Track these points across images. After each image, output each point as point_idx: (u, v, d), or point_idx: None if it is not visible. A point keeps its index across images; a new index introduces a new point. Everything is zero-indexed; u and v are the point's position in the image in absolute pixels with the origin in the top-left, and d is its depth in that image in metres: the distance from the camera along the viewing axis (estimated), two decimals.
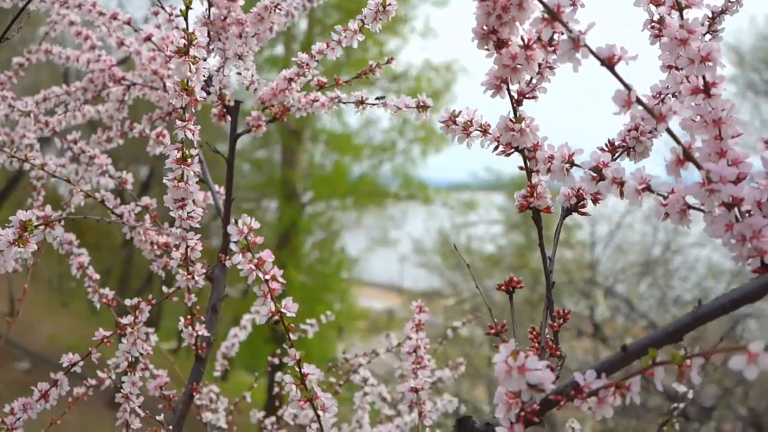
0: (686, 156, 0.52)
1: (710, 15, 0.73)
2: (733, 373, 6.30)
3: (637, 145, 0.68)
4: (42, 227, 0.67)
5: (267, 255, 0.63)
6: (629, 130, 0.69)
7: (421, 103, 0.83)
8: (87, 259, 1.11)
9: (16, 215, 0.66)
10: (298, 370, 0.65)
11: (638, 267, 6.25)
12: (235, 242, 0.61)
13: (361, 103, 0.95)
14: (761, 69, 8.84)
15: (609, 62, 0.51)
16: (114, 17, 1.10)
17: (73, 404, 1.12)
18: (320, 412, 0.65)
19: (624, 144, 0.69)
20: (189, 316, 0.96)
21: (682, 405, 1.09)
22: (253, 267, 0.62)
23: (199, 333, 0.97)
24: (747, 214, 0.53)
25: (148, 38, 1.06)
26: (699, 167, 0.51)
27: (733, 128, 0.54)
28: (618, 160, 0.70)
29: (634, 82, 0.51)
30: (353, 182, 11.97)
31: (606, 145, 0.70)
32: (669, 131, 0.51)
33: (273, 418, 1.36)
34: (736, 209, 0.53)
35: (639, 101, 0.51)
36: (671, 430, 1.05)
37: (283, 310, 0.63)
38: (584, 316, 5.80)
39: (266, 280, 0.63)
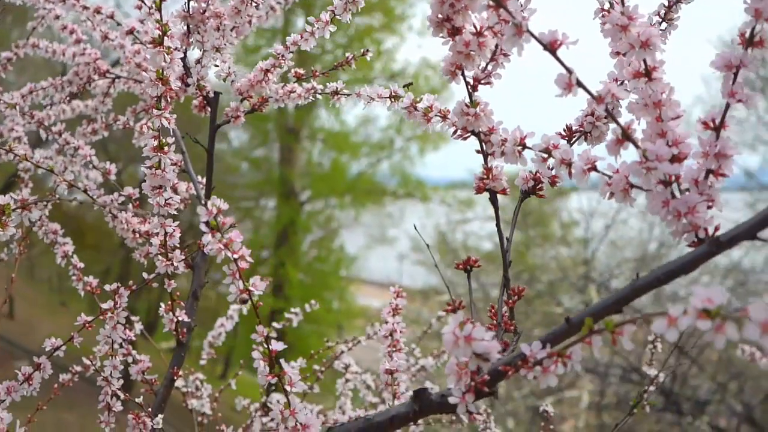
0: (625, 136, 0.55)
1: (666, 3, 0.76)
2: (727, 369, 6.34)
3: (593, 129, 0.71)
4: (19, 210, 0.70)
5: (236, 235, 0.65)
6: (586, 116, 0.72)
7: (393, 93, 0.85)
8: (71, 248, 1.14)
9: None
10: (266, 346, 0.67)
11: (633, 262, 6.28)
12: (205, 222, 0.64)
13: (336, 93, 0.98)
14: (757, 66, 8.86)
15: (551, 47, 0.53)
16: (97, 11, 1.13)
17: (59, 390, 1.15)
18: (287, 387, 0.67)
19: (581, 129, 0.72)
20: (170, 302, 0.99)
21: (652, 387, 1.11)
22: (222, 246, 0.65)
23: (180, 319, 0.99)
24: (687, 192, 0.55)
25: (131, 32, 1.09)
26: (636, 146, 0.54)
27: (672, 110, 0.56)
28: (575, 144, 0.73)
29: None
30: (351, 180, 11.99)
31: (564, 130, 0.72)
32: (608, 112, 0.54)
33: (257, 404, 1.39)
34: (676, 187, 0.56)
35: (579, 84, 0.54)
36: (642, 413, 1.07)
37: (251, 288, 0.66)
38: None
39: (235, 260, 0.65)
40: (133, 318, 1.16)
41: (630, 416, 1.11)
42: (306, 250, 11.75)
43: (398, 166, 11.66)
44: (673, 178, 0.54)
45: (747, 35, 0.54)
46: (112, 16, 1.14)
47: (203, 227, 0.65)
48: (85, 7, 1.13)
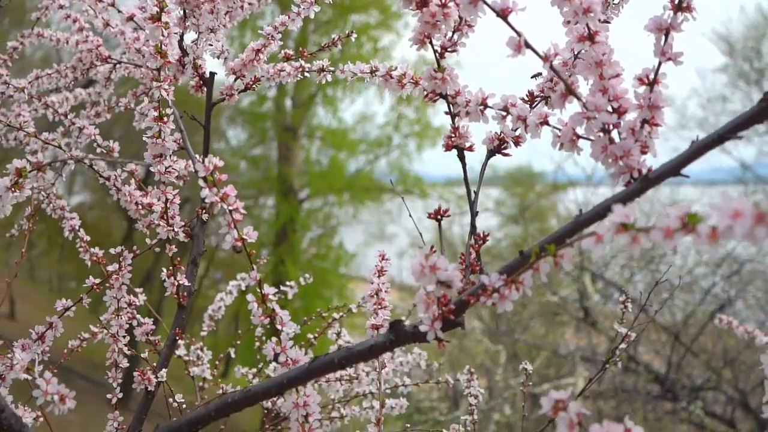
0: (569, 90, 0.62)
1: None
2: (720, 355, 6.42)
3: (552, 94, 0.79)
4: (35, 172, 0.77)
5: (230, 190, 0.73)
6: (546, 81, 0.79)
7: (374, 68, 0.93)
8: (78, 222, 1.21)
9: (13, 163, 0.76)
10: (259, 290, 0.75)
11: (627, 252, 6.36)
12: (203, 178, 0.72)
13: (322, 70, 1.05)
14: (752, 58, 8.94)
15: (503, 13, 0.61)
16: (99, 0, 1.20)
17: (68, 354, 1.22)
18: (279, 327, 0.75)
19: (542, 93, 0.79)
20: (171, 267, 1.06)
21: (624, 345, 1.19)
22: (218, 199, 0.72)
23: (181, 282, 1.07)
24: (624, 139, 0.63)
25: (131, 18, 1.16)
26: (579, 99, 0.62)
27: (613, 69, 0.64)
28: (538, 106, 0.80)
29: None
30: (349, 178, 12.06)
31: (526, 95, 0.80)
32: (553, 69, 0.62)
33: (254, 370, 1.46)
34: (616, 135, 0.63)
35: (528, 45, 0.61)
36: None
37: (244, 236, 0.74)
38: (572, 300, 5.92)
39: (230, 211, 0.73)
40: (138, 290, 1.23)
41: (603, 371, 1.19)
42: (305, 247, 11.81)
43: (396, 163, 11.72)
44: (611, 126, 0.61)
45: (676, 2, 0.62)
46: (113, 4, 1.21)
47: (201, 182, 0.72)
48: None
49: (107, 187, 1.11)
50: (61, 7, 1.30)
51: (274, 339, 0.75)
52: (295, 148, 11.51)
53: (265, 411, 1.57)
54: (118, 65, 1.30)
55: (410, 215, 1.07)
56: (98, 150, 1.19)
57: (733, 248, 7.32)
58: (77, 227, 1.22)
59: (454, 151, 0.77)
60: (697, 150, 0.56)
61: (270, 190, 11.56)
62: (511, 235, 10.62)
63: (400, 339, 0.68)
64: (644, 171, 0.61)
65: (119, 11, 1.21)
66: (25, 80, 1.27)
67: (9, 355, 0.73)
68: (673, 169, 0.57)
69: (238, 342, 1.59)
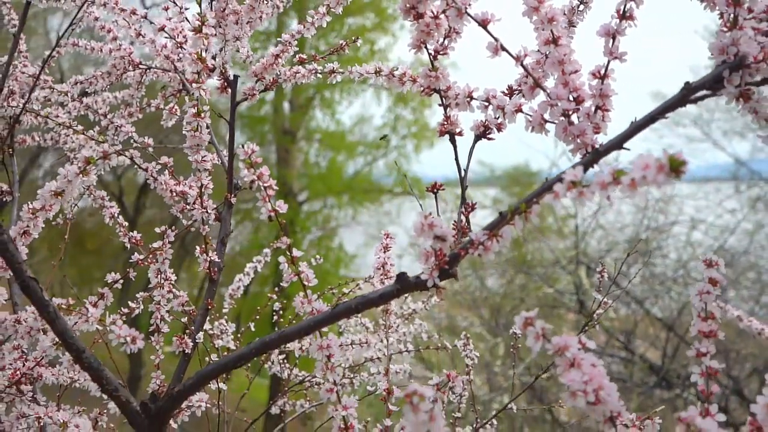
0: (536, 84, 0.78)
1: None
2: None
3: (524, 87, 0.95)
4: (101, 160, 0.93)
5: (265, 170, 0.89)
6: (521, 77, 0.95)
7: (378, 69, 1.09)
8: (117, 210, 1.37)
9: (81, 152, 0.92)
10: (289, 253, 0.91)
11: (624, 244, 6.53)
12: (243, 160, 0.88)
13: (332, 72, 1.21)
14: None
15: (483, 23, 0.77)
16: (133, 12, 1.36)
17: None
18: (305, 282, 0.91)
19: (519, 87, 0.95)
20: (204, 245, 1.22)
21: (601, 311, 1.34)
22: (255, 177, 0.88)
23: (212, 259, 1.23)
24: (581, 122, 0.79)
25: (162, 29, 1.32)
26: (544, 90, 0.78)
27: (572, 66, 0.80)
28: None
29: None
30: (348, 179, 12.21)
31: (507, 89, 0.96)
32: (524, 67, 0.78)
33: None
34: (576, 119, 0.79)
35: (503, 48, 0.77)
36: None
37: (276, 207, 0.90)
38: (568, 292, 6.07)
39: (265, 187, 0.89)
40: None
41: (582, 332, 1.34)
42: (305, 249, 11.95)
43: (394, 164, 11.87)
44: (571, 111, 0.78)
45: (621, 11, 0.78)
46: (145, 17, 1.37)
47: (241, 164, 0.88)
48: (123, 9, 1.36)
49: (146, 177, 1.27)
50: (96, 19, 1.46)
51: (301, 293, 0.91)
52: (294, 151, 11.67)
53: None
54: (148, 70, 1.46)
55: (420, 204, 1.23)
56: (134, 145, 1.35)
57: (725, 240, 7.49)
58: (116, 214, 1.38)
59: (451, 150, 0.93)
60: (636, 128, 0.72)
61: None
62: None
63: (405, 287, 0.84)
64: (596, 146, 0.77)
65: (151, 23, 1.36)
66: (67, 85, 1.43)
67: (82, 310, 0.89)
68: (617, 144, 0.73)
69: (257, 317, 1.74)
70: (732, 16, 0.70)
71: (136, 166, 1.27)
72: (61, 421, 0.99)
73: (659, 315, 6.87)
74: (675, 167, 0.54)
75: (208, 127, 1.15)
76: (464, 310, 7.58)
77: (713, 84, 0.70)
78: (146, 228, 1.38)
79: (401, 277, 0.84)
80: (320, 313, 0.87)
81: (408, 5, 0.84)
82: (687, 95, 0.72)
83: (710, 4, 0.74)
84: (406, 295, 1.75)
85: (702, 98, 0.72)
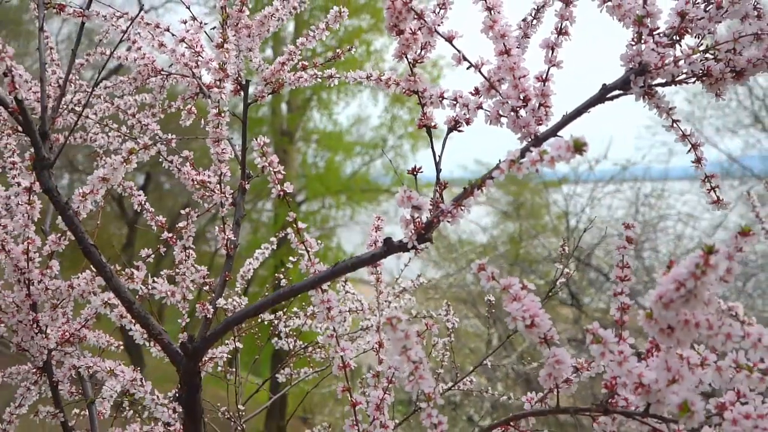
0: (491, 86, 1.00)
1: (536, 8, 1.20)
2: None
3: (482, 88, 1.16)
4: (142, 150, 1.14)
5: (274, 158, 1.10)
6: (483, 81, 1.16)
7: (369, 74, 1.30)
8: (144, 198, 1.58)
9: (125, 145, 1.13)
10: (295, 225, 1.12)
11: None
12: (255, 150, 1.09)
13: (331, 77, 1.42)
14: None
15: (449, 39, 0.98)
16: (157, 26, 1.57)
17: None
18: (309, 249, 1.12)
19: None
20: (222, 225, 1.43)
21: (564, 280, 1.55)
22: (267, 164, 1.09)
23: (229, 237, 1.44)
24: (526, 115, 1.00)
25: (182, 40, 1.53)
26: (497, 91, 0.99)
27: (521, 72, 1.01)
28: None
29: None
30: (346, 180, 12.40)
31: (474, 89, 1.17)
32: (481, 73, 0.99)
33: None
34: (522, 113, 1.00)
35: (464, 58, 0.98)
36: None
37: (284, 188, 1.11)
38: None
39: (275, 172, 1.10)
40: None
41: (546, 299, 1.55)
42: None
43: (391, 164, 12.05)
44: (519, 108, 0.99)
45: (558, 27, 0.99)
46: (168, 29, 1.58)
47: (254, 153, 1.10)
48: (148, 23, 1.57)
49: (169, 167, 1.48)
50: (123, 32, 1.66)
51: (306, 257, 1.12)
52: (292, 152, 11.88)
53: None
54: (169, 76, 1.67)
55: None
56: (159, 140, 1.56)
57: (713, 233, 7.71)
58: (143, 202, 1.59)
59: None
60: (564, 122, 0.94)
61: (268, 194, 11.89)
62: (507, 231, 10.97)
63: (391, 249, 1.05)
64: (538, 135, 0.98)
65: (173, 35, 1.57)
66: (100, 88, 1.64)
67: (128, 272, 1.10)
68: (551, 133, 0.95)
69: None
70: (637, 32, 0.91)
71: (161, 158, 1.47)
72: (108, 368, 1.20)
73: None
74: (578, 147, 0.75)
75: (227, 124, 1.37)
76: (459, 304, 7.80)
77: (623, 85, 0.91)
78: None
79: (387, 241, 1.05)
80: (322, 272, 1.08)
81: (391, 23, 1.05)
82: (604, 93, 0.93)
83: (625, 21, 0.95)
84: (397, 276, 1.97)
85: (617, 96, 0.93)
